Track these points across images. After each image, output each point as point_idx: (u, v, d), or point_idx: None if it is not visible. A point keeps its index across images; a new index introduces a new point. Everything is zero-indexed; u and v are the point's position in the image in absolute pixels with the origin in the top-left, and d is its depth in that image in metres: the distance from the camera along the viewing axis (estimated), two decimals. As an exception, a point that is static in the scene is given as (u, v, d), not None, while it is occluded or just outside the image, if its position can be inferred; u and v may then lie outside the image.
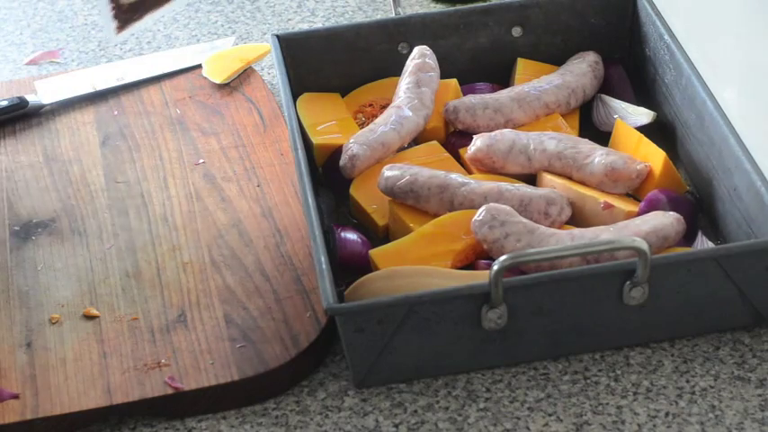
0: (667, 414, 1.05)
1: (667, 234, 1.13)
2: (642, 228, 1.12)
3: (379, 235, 1.23)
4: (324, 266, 1.07)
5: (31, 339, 1.13)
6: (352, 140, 1.26)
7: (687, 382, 1.08)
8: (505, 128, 1.28)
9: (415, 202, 1.20)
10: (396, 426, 1.06)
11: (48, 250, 1.23)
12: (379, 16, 1.57)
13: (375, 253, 1.16)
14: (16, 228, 1.27)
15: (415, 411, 1.07)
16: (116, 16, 1.14)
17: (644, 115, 1.30)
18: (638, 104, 1.32)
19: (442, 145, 1.29)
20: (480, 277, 1.08)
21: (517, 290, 1.05)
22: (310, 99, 1.35)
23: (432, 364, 1.09)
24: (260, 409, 1.09)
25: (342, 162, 1.25)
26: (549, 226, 1.17)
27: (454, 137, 1.32)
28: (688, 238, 1.17)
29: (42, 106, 1.43)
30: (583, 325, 1.09)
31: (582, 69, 1.35)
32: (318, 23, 1.58)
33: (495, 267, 1.02)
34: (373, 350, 1.06)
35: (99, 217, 1.27)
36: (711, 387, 1.07)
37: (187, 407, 1.08)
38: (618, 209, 1.18)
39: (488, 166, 1.25)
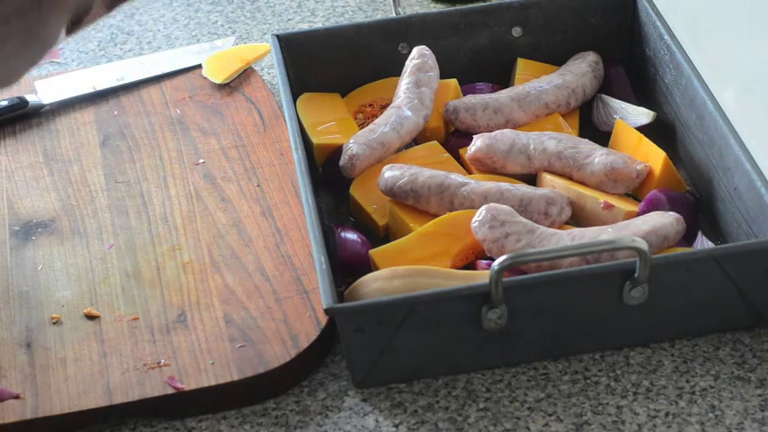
0: (667, 414, 1.05)
1: (667, 234, 1.13)
2: (642, 228, 1.12)
3: (379, 235, 1.23)
4: (324, 266, 1.07)
5: (31, 339, 1.13)
6: (351, 140, 1.26)
7: (687, 382, 1.08)
8: (505, 128, 1.28)
9: (415, 202, 1.20)
10: (396, 426, 1.06)
11: (48, 250, 1.23)
12: (379, 16, 1.57)
13: (375, 253, 1.16)
14: (16, 228, 1.27)
15: (415, 411, 1.07)
16: None
17: (644, 115, 1.30)
18: (638, 104, 1.32)
19: (442, 145, 1.29)
20: (480, 277, 1.08)
21: (517, 290, 1.05)
22: (310, 99, 1.35)
23: (432, 364, 1.09)
24: (260, 409, 1.09)
25: (342, 162, 1.25)
26: (549, 226, 1.17)
27: (454, 137, 1.32)
28: (688, 238, 1.17)
29: (42, 106, 1.43)
30: (583, 325, 1.09)
31: (582, 69, 1.35)
32: (318, 23, 1.58)
33: (495, 267, 1.02)
34: (373, 350, 1.06)
35: (99, 217, 1.27)
36: (711, 387, 1.07)
37: (187, 407, 1.08)
38: (618, 209, 1.18)
39: (488, 166, 1.25)
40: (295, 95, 1.32)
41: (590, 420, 1.05)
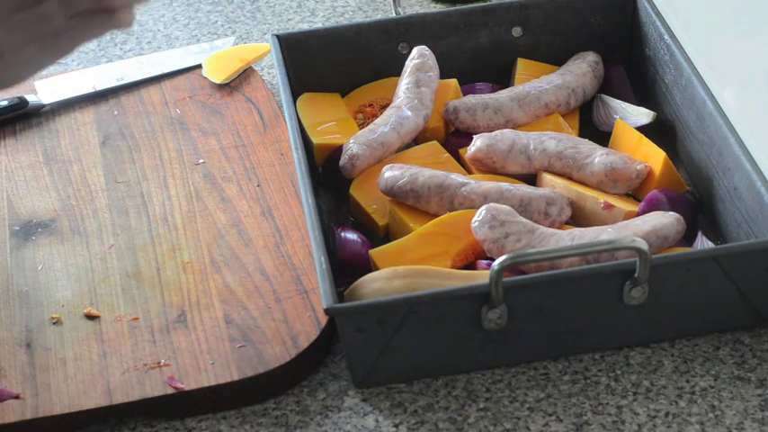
0: (667, 414, 1.05)
1: (667, 234, 1.13)
2: (642, 228, 1.12)
3: (379, 235, 1.23)
4: (324, 266, 1.07)
5: (31, 339, 1.13)
6: (351, 140, 1.26)
7: (687, 382, 1.08)
8: (505, 128, 1.28)
9: (415, 202, 1.20)
10: (396, 426, 1.06)
11: (48, 250, 1.23)
12: (379, 16, 1.57)
13: (375, 253, 1.16)
14: (16, 228, 1.27)
15: (415, 411, 1.07)
16: None
17: (644, 115, 1.30)
18: (638, 104, 1.32)
19: (442, 145, 1.29)
20: (480, 277, 1.08)
21: (517, 290, 1.05)
22: (310, 99, 1.35)
23: (432, 364, 1.09)
24: (260, 409, 1.09)
25: (342, 162, 1.25)
26: (549, 226, 1.17)
27: (454, 137, 1.32)
28: (688, 238, 1.17)
29: (42, 106, 1.43)
30: (583, 325, 1.09)
31: (582, 69, 1.35)
32: (318, 23, 1.58)
33: (495, 267, 1.02)
34: (373, 350, 1.06)
35: (99, 217, 1.27)
36: (711, 387, 1.07)
37: (187, 407, 1.08)
38: (618, 209, 1.18)
39: (488, 166, 1.25)
40: (295, 95, 1.32)
41: (590, 420, 1.05)
